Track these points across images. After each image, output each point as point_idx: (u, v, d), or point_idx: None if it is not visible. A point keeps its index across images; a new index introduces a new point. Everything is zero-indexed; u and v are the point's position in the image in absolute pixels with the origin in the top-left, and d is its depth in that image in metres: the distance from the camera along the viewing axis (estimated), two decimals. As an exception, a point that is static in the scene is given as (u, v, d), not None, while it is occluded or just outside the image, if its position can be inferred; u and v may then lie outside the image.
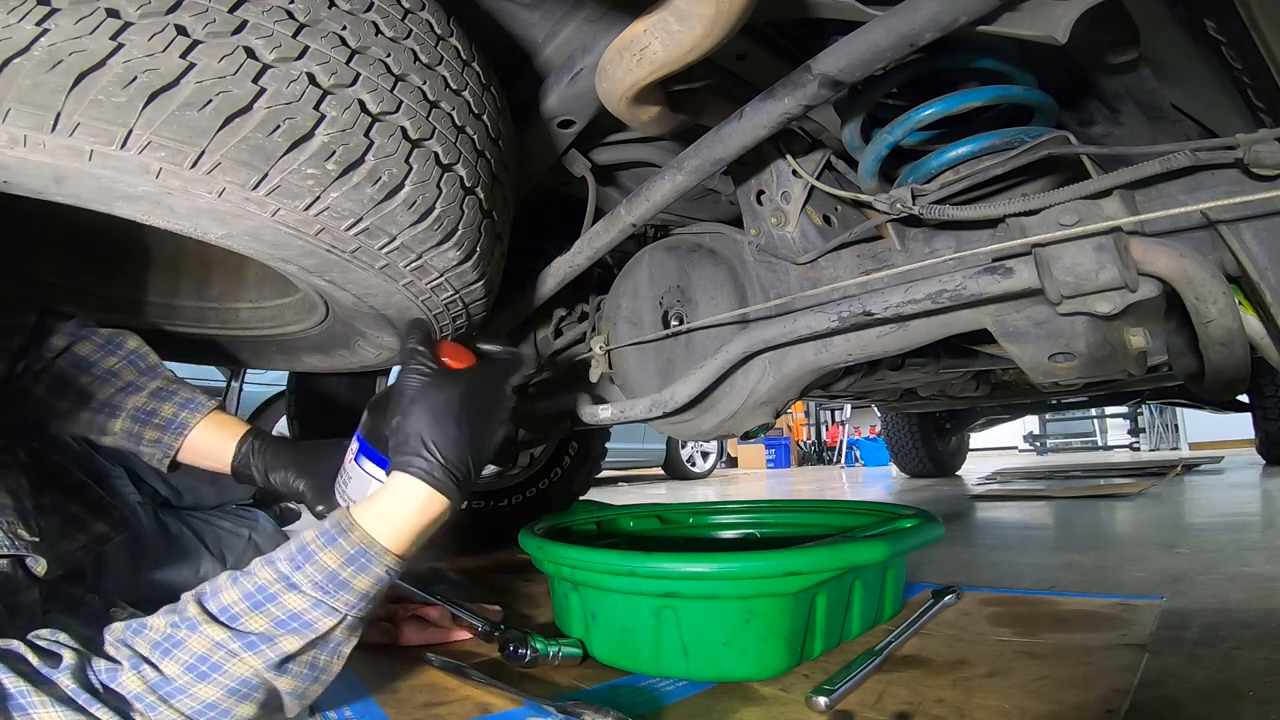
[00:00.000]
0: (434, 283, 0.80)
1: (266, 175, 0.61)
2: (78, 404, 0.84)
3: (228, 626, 0.58)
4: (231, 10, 0.57)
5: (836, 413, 10.37)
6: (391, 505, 0.68)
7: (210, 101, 0.56)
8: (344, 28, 0.62)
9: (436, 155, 0.70)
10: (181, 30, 0.55)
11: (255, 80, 0.57)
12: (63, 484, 0.86)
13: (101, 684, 0.52)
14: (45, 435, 0.85)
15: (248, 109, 0.57)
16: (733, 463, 9.90)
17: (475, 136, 0.75)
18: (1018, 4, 0.60)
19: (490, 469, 1.96)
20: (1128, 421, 7.79)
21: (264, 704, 0.58)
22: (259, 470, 0.88)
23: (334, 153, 0.62)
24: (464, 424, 0.71)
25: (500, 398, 0.76)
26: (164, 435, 0.86)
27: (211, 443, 0.88)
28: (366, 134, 0.64)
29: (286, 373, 1.87)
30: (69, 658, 0.51)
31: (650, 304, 1.17)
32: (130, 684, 0.53)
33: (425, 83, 0.68)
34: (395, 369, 1.21)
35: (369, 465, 0.78)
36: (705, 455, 7.15)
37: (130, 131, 0.55)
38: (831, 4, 0.68)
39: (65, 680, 0.50)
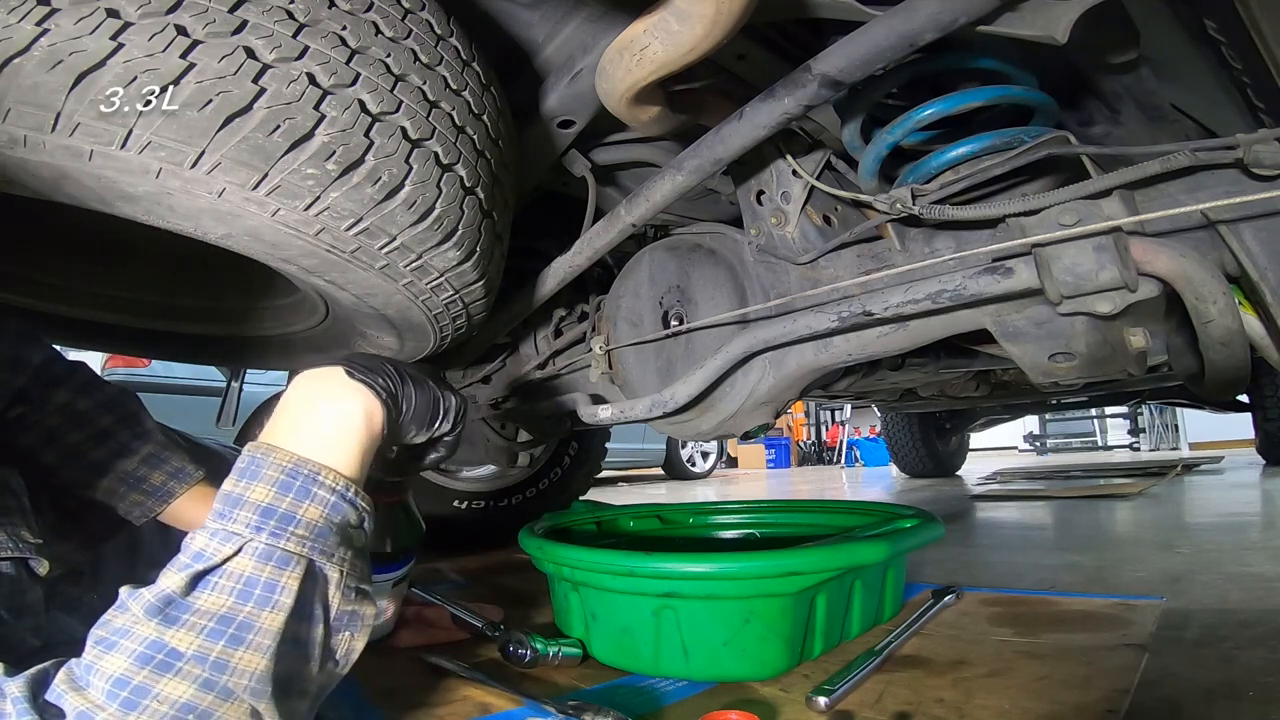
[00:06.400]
0: (434, 283, 0.80)
1: (266, 175, 0.61)
2: (64, 459, 0.84)
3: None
4: (231, 10, 0.57)
5: (836, 413, 10.37)
6: (302, 413, 0.59)
7: (210, 101, 0.56)
8: (344, 28, 0.62)
9: (436, 155, 0.70)
10: (181, 30, 0.55)
11: (255, 80, 0.57)
12: (59, 483, 0.86)
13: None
14: (43, 433, 0.85)
15: (248, 109, 0.57)
16: (733, 463, 9.89)
17: (475, 136, 0.75)
18: (1018, 4, 0.60)
19: (490, 469, 1.96)
20: (1128, 421, 7.78)
21: (204, 682, 0.46)
22: None
23: (334, 153, 0.62)
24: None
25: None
26: (148, 500, 0.87)
27: (195, 514, 0.88)
28: (366, 134, 0.64)
29: (286, 373, 1.87)
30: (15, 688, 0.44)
31: (650, 304, 1.17)
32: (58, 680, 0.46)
33: (425, 83, 0.68)
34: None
35: None
36: (705, 455, 7.15)
37: (130, 132, 0.55)
38: (831, 4, 0.68)
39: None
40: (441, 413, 0.70)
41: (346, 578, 0.54)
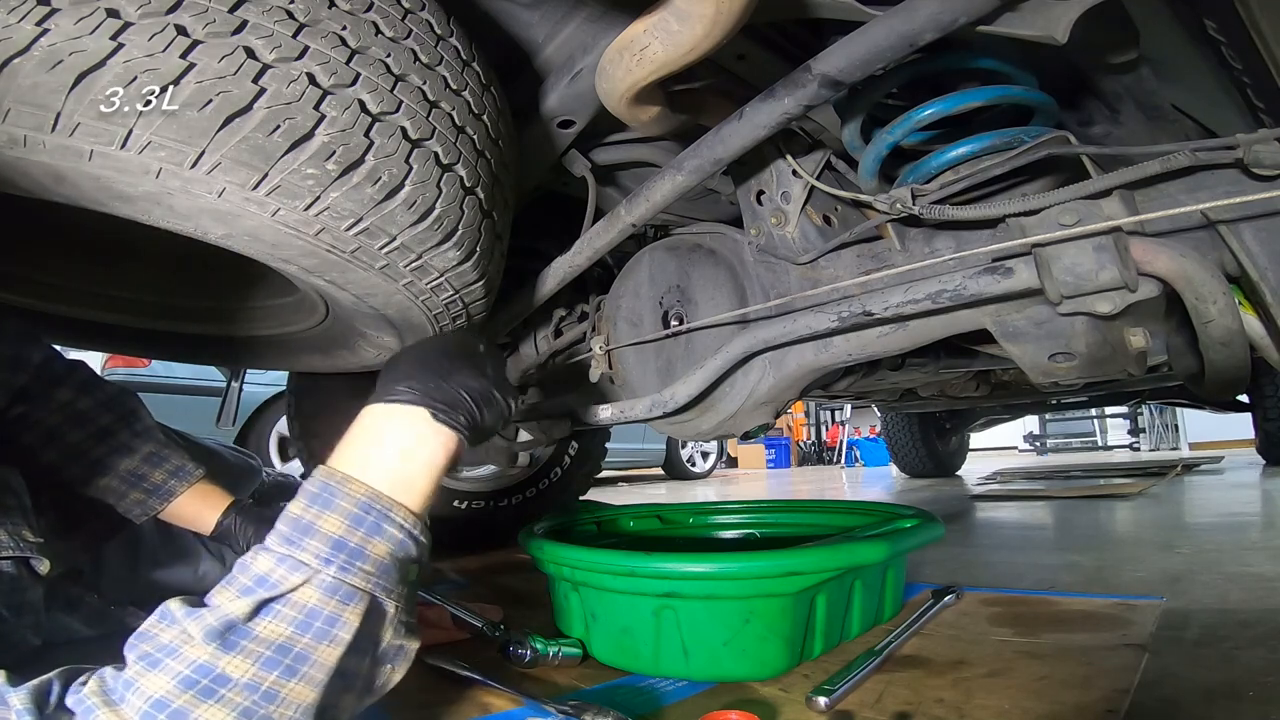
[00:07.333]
0: (434, 283, 0.80)
1: (266, 175, 0.61)
2: (65, 458, 0.85)
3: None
4: (231, 10, 0.57)
5: (836, 413, 10.37)
6: (381, 445, 0.57)
7: (210, 101, 0.56)
8: (344, 28, 0.62)
9: (436, 155, 0.70)
10: (181, 30, 0.55)
11: (255, 80, 0.57)
12: (59, 481, 0.87)
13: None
14: (44, 431, 0.85)
15: (248, 109, 0.57)
16: (733, 463, 9.89)
17: (475, 136, 0.75)
18: (1018, 4, 0.60)
19: (489, 469, 1.96)
20: (1128, 421, 7.77)
21: (244, 710, 0.45)
22: (245, 541, 0.89)
23: (334, 153, 0.62)
24: (453, 360, 0.63)
25: (477, 345, 0.70)
26: (149, 498, 0.88)
27: (195, 512, 0.91)
28: (366, 134, 0.64)
29: (286, 373, 1.87)
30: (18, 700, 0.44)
31: (650, 304, 1.17)
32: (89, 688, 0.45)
33: (425, 83, 0.68)
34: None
35: None
36: (705, 455, 7.14)
37: (130, 132, 0.55)
38: (831, 4, 0.68)
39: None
40: (501, 417, 0.68)
41: (400, 613, 0.54)
